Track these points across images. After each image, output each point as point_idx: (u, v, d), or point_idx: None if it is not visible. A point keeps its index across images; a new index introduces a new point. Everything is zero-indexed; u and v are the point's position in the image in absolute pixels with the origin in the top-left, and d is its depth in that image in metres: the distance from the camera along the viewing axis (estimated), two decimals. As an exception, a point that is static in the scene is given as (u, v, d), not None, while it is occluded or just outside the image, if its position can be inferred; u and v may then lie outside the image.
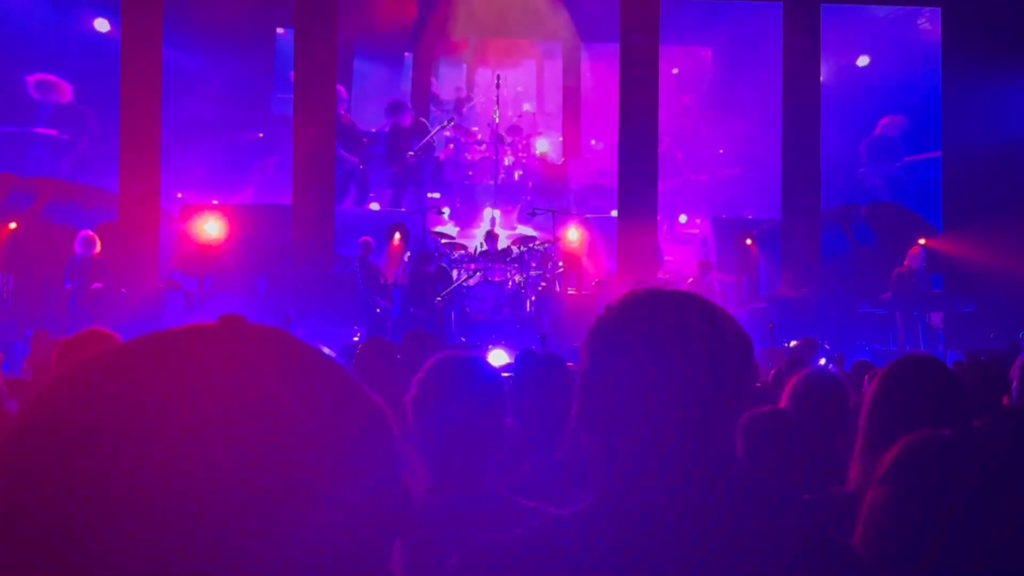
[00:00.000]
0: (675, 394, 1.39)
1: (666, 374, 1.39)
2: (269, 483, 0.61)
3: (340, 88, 18.43)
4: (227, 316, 0.69)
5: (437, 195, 17.67)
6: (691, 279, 15.60)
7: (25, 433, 0.64)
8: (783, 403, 3.96)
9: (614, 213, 17.37)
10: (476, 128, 19.54)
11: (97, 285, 12.77)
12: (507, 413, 2.47)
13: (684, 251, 18.82)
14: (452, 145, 19.17)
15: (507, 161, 18.89)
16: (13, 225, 15.41)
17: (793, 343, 11.87)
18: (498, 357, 10.53)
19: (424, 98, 19.82)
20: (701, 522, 1.38)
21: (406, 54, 20.14)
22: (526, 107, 20.73)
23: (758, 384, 6.25)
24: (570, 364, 5.67)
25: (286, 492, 0.61)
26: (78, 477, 0.60)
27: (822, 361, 9.59)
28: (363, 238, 14.89)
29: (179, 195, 17.96)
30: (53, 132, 17.10)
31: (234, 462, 0.61)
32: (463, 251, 15.26)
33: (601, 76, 19.97)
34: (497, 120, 17.79)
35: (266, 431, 0.62)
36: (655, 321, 1.43)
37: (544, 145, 19.67)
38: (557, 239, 15.54)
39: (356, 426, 0.67)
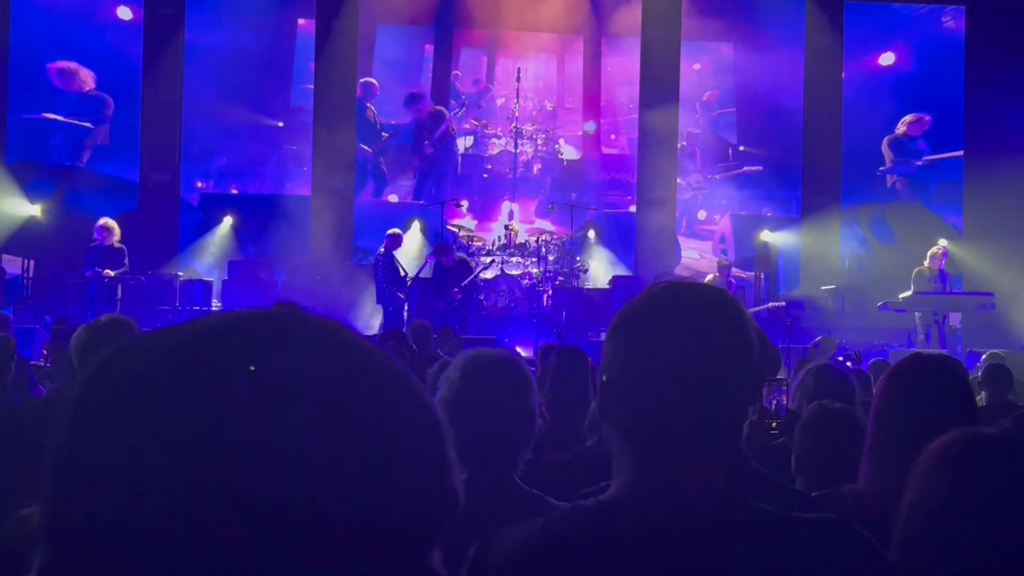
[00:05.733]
0: (696, 387, 1.38)
1: (688, 367, 1.38)
2: (324, 473, 0.60)
3: (373, 82, 18.41)
4: (282, 302, 0.70)
5: (465, 203, 17.51)
6: (711, 276, 15.55)
7: (81, 403, 0.65)
8: (791, 399, 3.95)
9: (632, 208, 17.34)
10: (494, 125, 19.48)
11: (108, 272, 12.78)
12: (537, 411, 2.42)
13: (702, 247, 18.76)
14: (472, 138, 19.15)
15: (526, 155, 18.85)
16: (35, 212, 15.50)
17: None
18: None
19: (444, 90, 19.79)
20: (724, 514, 1.37)
21: (427, 47, 20.11)
22: (547, 104, 20.68)
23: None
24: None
25: (342, 483, 0.61)
26: (131, 447, 0.61)
27: (847, 365, 9.50)
28: (392, 229, 14.60)
29: (199, 184, 18.01)
30: (74, 120, 17.16)
31: (289, 447, 0.60)
32: (481, 244, 15.25)
33: (622, 71, 19.89)
34: (517, 113, 17.75)
35: (324, 418, 0.61)
36: (678, 314, 1.42)
37: (562, 141, 19.63)
38: (575, 233, 15.51)
39: (414, 422, 0.67)
